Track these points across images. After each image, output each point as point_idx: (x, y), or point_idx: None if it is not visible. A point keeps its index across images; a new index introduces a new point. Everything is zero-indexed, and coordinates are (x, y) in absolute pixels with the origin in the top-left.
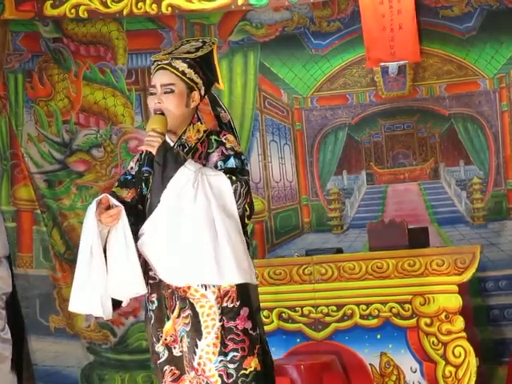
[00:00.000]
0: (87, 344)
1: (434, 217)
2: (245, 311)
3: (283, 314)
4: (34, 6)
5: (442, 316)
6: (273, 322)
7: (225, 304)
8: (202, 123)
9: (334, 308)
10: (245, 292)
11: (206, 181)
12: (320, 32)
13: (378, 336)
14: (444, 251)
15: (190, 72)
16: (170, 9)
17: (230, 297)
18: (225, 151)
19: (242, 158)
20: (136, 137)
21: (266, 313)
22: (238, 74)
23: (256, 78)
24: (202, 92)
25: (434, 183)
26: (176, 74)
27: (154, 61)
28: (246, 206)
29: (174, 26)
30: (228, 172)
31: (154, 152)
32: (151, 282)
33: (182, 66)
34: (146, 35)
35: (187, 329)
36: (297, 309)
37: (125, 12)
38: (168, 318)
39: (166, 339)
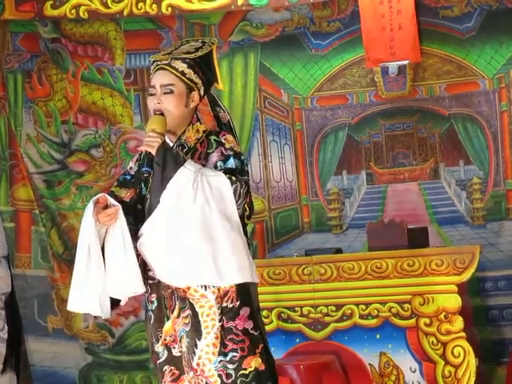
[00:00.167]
0: (85, 345)
1: (434, 217)
2: (245, 311)
3: (282, 314)
4: (34, 6)
5: (442, 316)
6: (272, 322)
7: (224, 304)
8: (201, 123)
9: (334, 308)
10: (245, 292)
11: (205, 181)
12: (320, 32)
13: (378, 336)
14: (443, 251)
15: (190, 72)
16: (170, 9)
17: (229, 297)
18: (224, 151)
19: (242, 158)
20: (135, 137)
21: (265, 313)
22: (239, 74)
23: (256, 78)
24: (202, 92)
25: (433, 183)
26: (175, 75)
27: (154, 61)
28: (246, 206)
29: (173, 27)
30: (228, 172)
31: (153, 152)
32: (151, 282)
33: (182, 66)
34: (146, 35)
35: (187, 329)
36: (296, 309)
37: (125, 12)
38: (168, 318)
39: (165, 339)
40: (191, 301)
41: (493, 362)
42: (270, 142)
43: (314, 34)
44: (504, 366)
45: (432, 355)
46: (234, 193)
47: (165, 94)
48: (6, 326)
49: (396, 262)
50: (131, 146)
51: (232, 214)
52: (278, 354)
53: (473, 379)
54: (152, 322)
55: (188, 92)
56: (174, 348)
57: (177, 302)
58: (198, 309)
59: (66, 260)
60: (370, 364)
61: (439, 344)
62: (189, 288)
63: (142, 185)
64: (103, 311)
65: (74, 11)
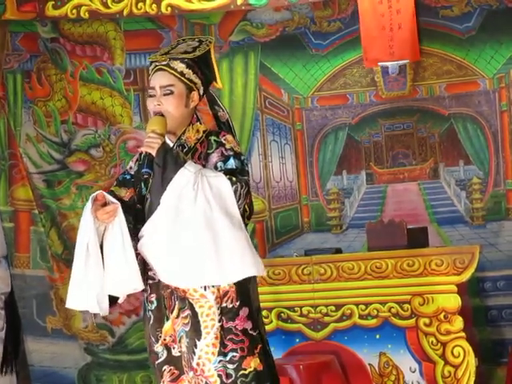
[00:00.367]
0: (84, 345)
1: (434, 217)
2: (244, 311)
3: (282, 314)
4: (35, 6)
5: (441, 316)
6: (272, 321)
7: (224, 304)
8: (201, 123)
9: (333, 308)
10: (245, 292)
11: (205, 182)
12: (320, 32)
13: (377, 336)
14: (443, 251)
15: (189, 72)
16: (169, 9)
17: (229, 297)
18: (224, 152)
19: (242, 158)
20: (134, 137)
21: (265, 313)
22: (239, 74)
23: (256, 78)
24: (201, 92)
25: (433, 183)
26: (175, 75)
27: (152, 62)
28: (246, 206)
29: (173, 26)
30: (228, 173)
31: (153, 153)
32: (150, 282)
33: (181, 66)
34: (146, 35)
35: (186, 329)
36: (296, 309)
37: (125, 12)
38: (167, 318)
39: (165, 339)
40: (191, 301)
41: (492, 362)
42: (270, 141)
43: (314, 33)
44: (503, 366)
45: (432, 355)
46: (235, 193)
47: (164, 95)
48: (6, 326)
49: (396, 262)
50: (131, 146)
51: (233, 214)
52: (277, 354)
53: (472, 379)
54: (151, 322)
55: (188, 92)
56: (173, 348)
57: (176, 302)
58: (197, 309)
59: (66, 260)
60: (369, 364)
61: (439, 344)
62: (188, 288)
63: (142, 185)
64: (102, 309)
65: (74, 11)
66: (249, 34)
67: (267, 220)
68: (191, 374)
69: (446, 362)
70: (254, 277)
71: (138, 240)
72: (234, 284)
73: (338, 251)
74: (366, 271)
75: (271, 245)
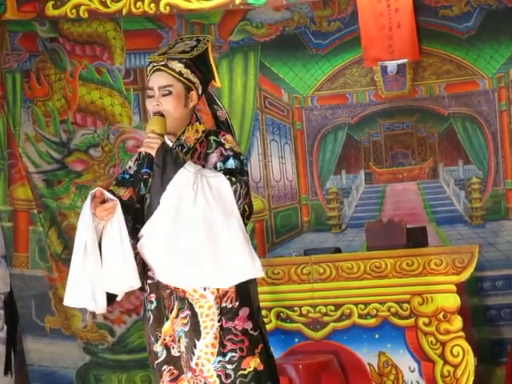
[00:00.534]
0: (83, 344)
1: (433, 216)
2: (244, 311)
3: (281, 314)
4: (35, 6)
5: (441, 315)
6: (271, 321)
7: (224, 304)
8: (200, 123)
9: (333, 308)
10: (244, 292)
11: (205, 182)
12: (320, 32)
13: (377, 335)
14: (442, 251)
15: (187, 72)
16: (168, 8)
17: (229, 297)
18: (224, 152)
19: (241, 158)
20: (134, 136)
21: (264, 312)
22: (239, 74)
23: (256, 78)
24: (200, 91)
25: (432, 183)
26: (173, 75)
27: (150, 62)
28: (246, 206)
29: (173, 26)
30: (227, 173)
31: (153, 154)
32: (150, 282)
33: (179, 66)
34: (145, 35)
35: (185, 329)
36: (295, 308)
37: (124, 11)
38: (167, 318)
39: (164, 339)
40: (190, 301)
41: (491, 361)
42: (270, 141)
43: (314, 33)
44: (502, 365)
45: (431, 355)
46: (234, 193)
47: (163, 95)
48: (5, 326)
49: (395, 262)
50: (130, 146)
51: (233, 214)
52: (277, 354)
53: (471, 379)
54: (151, 322)
55: (186, 92)
56: (173, 348)
57: (175, 303)
58: (197, 309)
59: (65, 259)
60: (369, 363)
61: (438, 343)
62: (188, 288)
63: (142, 185)
64: (99, 306)
65: (74, 11)
66: (249, 34)
67: (267, 219)
68: (190, 374)
69: (446, 362)
70: None
71: (138, 240)
72: (234, 284)
73: (338, 251)
74: (365, 271)
75: (271, 244)
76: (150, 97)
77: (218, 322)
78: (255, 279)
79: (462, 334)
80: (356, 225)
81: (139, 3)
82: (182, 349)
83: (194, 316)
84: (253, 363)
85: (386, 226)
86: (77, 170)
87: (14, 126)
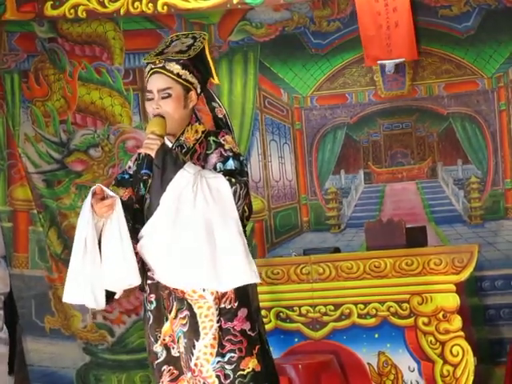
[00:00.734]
0: (83, 345)
1: (432, 216)
2: (243, 312)
3: (281, 314)
4: (34, 6)
5: (440, 315)
6: (271, 321)
7: (222, 305)
8: (200, 123)
9: (332, 307)
10: (243, 293)
11: (205, 183)
12: (320, 32)
13: (376, 335)
14: (442, 250)
15: (185, 73)
16: (165, 8)
17: (227, 298)
18: (223, 152)
19: (241, 159)
20: (134, 136)
21: (263, 312)
22: (238, 74)
23: (256, 78)
24: (199, 90)
25: (431, 182)
26: (171, 78)
27: (147, 63)
28: (245, 207)
29: (173, 26)
30: (227, 174)
31: (153, 155)
32: (150, 282)
33: (176, 68)
34: (145, 35)
35: (184, 329)
36: (295, 308)
37: (122, 11)
38: (166, 319)
39: (164, 339)
40: (189, 301)
41: (490, 361)
42: (269, 141)
43: (313, 33)
44: (502, 365)
45: (430, 354)
46: (234, 194)
47: (163, 98)
48: (5, 327)
49: (394, 262)
50: (130, 146)
51: (232, 216)
52: (276, 354)
53: (471, 378)
54: (151, 322)
55: (185, 93)
56: (173, 348)
57: (174, 303)
58: (196, 309)
59: (65, 260)
60: (368, 363)
61: (438, 343)
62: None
63: (141, 185)
64: (98, 303)
65: (72, 11)
66: (248, 34)
67: (266, 219)
68: (189, 374)
69: (445, 362)
70: None
71: (138, 240)
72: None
73: (337, 250)
74: (364, 270)
75: (270, 244)
76: (149, 99)
77: (217, 322)
78: None
79: (461, 333)
80: (355, 224)
81: (137, 3)
82: (182, 349)
83: (192, 316)
84: (251, 364)
85: (385, 226)
86: (76, 170)
87: (14, 127)
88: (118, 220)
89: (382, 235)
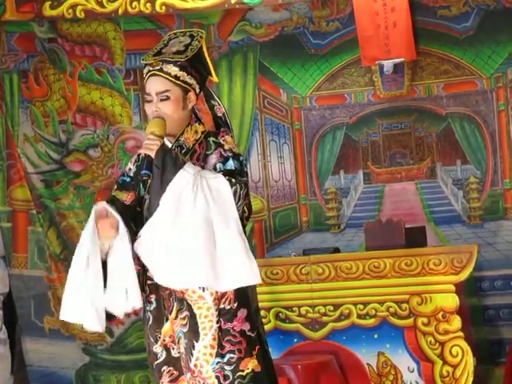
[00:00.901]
0: (82, 345)
1: (431, 216)
2: (242, 313)
3: (280, 314)
4: (33, 7)
5: (439, 315)
6: (270, 321)
7: (222, 306)
8: (199, 123)
9: (331, 308)
10: (243, 293)
11: (205, 183)
12: (319, 32)
13: (376, 336)
14: (441, 250)
15: (183, 74)
16: (164, 8)
17: (227, 298)
18: (223, 153)
19: (241, 159)
20: (134, 137)
21: (263, 313)
22: (238, 74)
23: (255, 78)
24: (197, 90)
25: (430, 182)
26: (169, 80)
27: (145, 64)
28: (245, 207)
29: (173, 26)
30: (227, 174)
31: (152, 155)
32: (149, 282)
33: (174, 70)
34: (145, 35)
35: (184, 330)
36: (294, 309)
37: (120, 11)
38: (167, 319)
39: (164, 340)
40: (189, 302)
41: (490, 362)
42: (269, 141)
43: (313, 33)
44: (501, 366)
45: (430, 355)
46: (234, 195)
47: (161, 100)
48: (4, 327)
49: (394, 262)
50: (129, 146)
51: (232, 216)
52: (275, 354)
53: (470, 379)
54: (150, 322)
55: (184, 94)
56: (173, 349)
57: (174, 304)
58: (195, 310)
59: (64, 260)
60: (367, 364)
61: (437, 343)
62: (187, 289)
63: (141, 186)
64: (99, 325)
65: (71, 11)
66: (248, 34)
67: (266, 219)
68: (189, 375)
69: (445, 362)
70: None
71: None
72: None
73: (336, 251)
74: (364, 271)
75: (270, 244)
76: (148, 101)
77: (217, 323)
78: None
79: (460, 334)
80: (355, 225)
81: (135, 3)
82: (182, 350)
83: (192, 317)
84: (251, 364)
85: (384, 226)
86: (75, 171)
87: (13, 127)
88: (121, 243)
89: (382, 235)
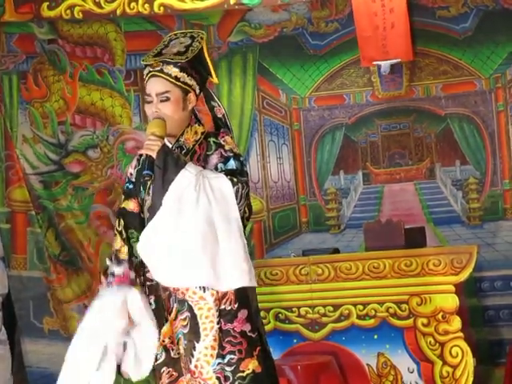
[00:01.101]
0: None
1: (430, 217)
2: (243, 313)
3: (280, 315)
4: (31, 7)
5: (439, 316)
6: (269, 322)
7: (223, 306)
8: (199, 124)
9: (331, 308)
10: (243, 294)
11: (207, 183)
12: (318, 32)
13: (375, 336)
14: (441, 251)
15: (183, 75)
16: (162, 8)
17: (228, 299)
18: (224, 153)
19: (241, 159)
20: (133, 137)
21: (262, 313)
22: (237, 75)
23: (255, 79)
24: (197, 91)
25: (429, 183)
26: (169, 81)
27: (145, 65)
28: (246, 207)
29: (173, 27)
30: (228, 174)
31: (154, 156)
32: (148, 283)
33: (174, 71)
34: (145, 36)
35: (185, 331)
36: (293, 309)
37: (118, 12)
38: (166, 320)
39: (163, 341)
40: (190, 303)
41: (490, 362)
42: (268, 142)
43: (312, 34)
44: (501, 366)
45: (430, 355)
46: (236, 194)
47: (161, 101)
48: (3, 328)
49: (393, 262)
50: (129, 147)
51: (234, 216)
52: (275, 355)
53: (470, 380)
54: None
55: (184, 95)
56: (172, 350)
57: (175, 305)
58: (196, 311)
59: (63, 261)
60: (367, 364)
61: (437, 344)
62: (187, 290)
63: (141, 187)
64: None
65: (68, 12)
66: (247, 35)
67: (265, 220)
68: (189, 376)
69: (444, 363)
70: None
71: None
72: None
73: (336, 251)
74: (363, 271)
75: (269, 245)
76: (148, 102)
77: (217, 323)
78: None
79: (460, 334)
80: (355, 225)
81: (133, 4)
82: (182, 351)
83: (193, 318)
84: (251, 365)
85: (384, 227)
86: (74, 172)
87: (12, 128)
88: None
89: (381, 236)
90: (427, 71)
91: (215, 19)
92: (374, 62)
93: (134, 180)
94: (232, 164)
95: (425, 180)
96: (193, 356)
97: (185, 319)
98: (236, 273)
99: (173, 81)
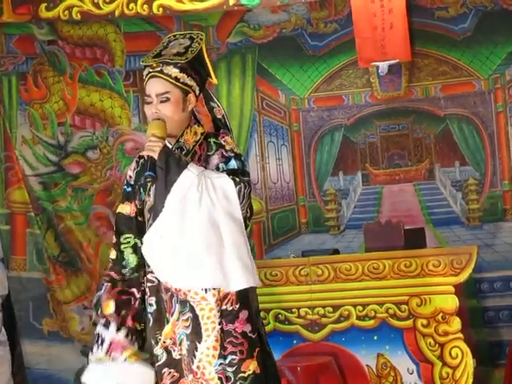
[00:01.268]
0: (81, 347)
1: (430, 217)
2: (244, 314)
3: (280, 316)
4: (29, 8)
5: (439, 317)
6: (269, 323)
7: (224, 307)
8: (199, 125)
9: (331, 309)
10: (244, 295)
11: (209, 183)
12: (317, 33)
13: (375, 337)
14: (440, 252)
15: (183, 76)
16: (161, 9)
17: (229, 299)
18: (225, 153)
19: (242, 159)
20: (132, 138)
21: (262, 314)
22: (237, 76)
23: (254, 80)
24: (197, 92)
25: (429, 184)
26: (169, 82)
27: (145, 66)
28: (247, 207)
29: (172, 28)
30: (230, 173)
31: (155, 157)
32: (149, 285)
33: (174, 71)
34: (145, 37)
35: (187, 332)
36: (293, 310)
37: (116, 13)
38: (167, 321)
39: (164, 342)
40: (192, 303)
41: (490, 363)
42: (267, 143)
43: (311, 35)
44: (501, 367)
45: (429, 356)
46: (239, 193)
47: (161, 102)
48: (3, 329)
49: (393, 263)
50: (128, 148)
51: (236, 216)
52: (275, 356)
53: (470, 381)
54: (151, 324)
55: (184, 96)
56: (173, 351)
57: (176, 305)
58: (198, 311)
59: (62, 262)
60: (367, 365)
61: (437, 345)
62: (189, 290)
63: (141, 189)
64: None
65: (66, 12)
66: (246, 36)
67: (264, 221)
68: (191, 376)
69: (444, 363)
70: None
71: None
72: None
73: (336, 252)
74: (363, 272)
75: (268, 246)
76: (148, 103)
77: (219, 324)
78: None
79: (460, 335)
80: (354, 226)
81: (132, 4)
82: (184, 352)
83: (195, 318)
84: (252, 366)
85: (384, 228)
86: (73, 173)
87: (11, 129)
88: None
89: (381, 237)
90: (426, 72)
91: (214, 20)
92: (372, 63)
93: (132, 183)
94: (233, 164)
95: (424, 181)
96: (195, 356)
97: (187, 320)
98: (242, 272)
99: (173, 81)
